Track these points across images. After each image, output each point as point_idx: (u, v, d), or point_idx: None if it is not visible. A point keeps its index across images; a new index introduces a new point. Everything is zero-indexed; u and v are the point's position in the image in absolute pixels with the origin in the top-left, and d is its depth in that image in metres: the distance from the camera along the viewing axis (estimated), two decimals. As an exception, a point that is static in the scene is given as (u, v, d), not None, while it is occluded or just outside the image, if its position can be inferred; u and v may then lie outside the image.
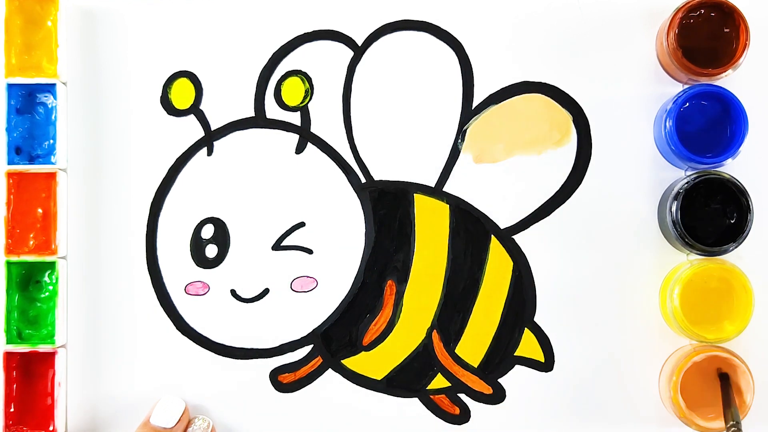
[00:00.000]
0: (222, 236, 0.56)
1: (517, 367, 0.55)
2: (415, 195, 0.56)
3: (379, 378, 0.56)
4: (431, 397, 0.55)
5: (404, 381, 0.56)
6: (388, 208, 0.56)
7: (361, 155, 0.56)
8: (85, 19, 0.56)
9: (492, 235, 0.55)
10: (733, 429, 0.48)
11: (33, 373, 0.54)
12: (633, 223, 0.55)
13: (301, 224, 0.56)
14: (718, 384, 0.52)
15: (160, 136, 0.56)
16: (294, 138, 0.56)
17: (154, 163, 0.56)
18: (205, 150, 0.56)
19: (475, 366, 0.55)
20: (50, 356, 0.54)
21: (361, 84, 0.56)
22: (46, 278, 0.55)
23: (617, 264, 0.55)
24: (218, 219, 0.56)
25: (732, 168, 0.53)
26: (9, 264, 0.54)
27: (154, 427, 0.52)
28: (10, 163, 0.55)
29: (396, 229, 0.56)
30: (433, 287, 0.55)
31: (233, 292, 0.56)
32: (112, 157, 0.56)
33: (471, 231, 0.55)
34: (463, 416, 0.55)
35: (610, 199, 0.55)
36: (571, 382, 0.55)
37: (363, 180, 0.56)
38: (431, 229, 0.55)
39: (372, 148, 0.56)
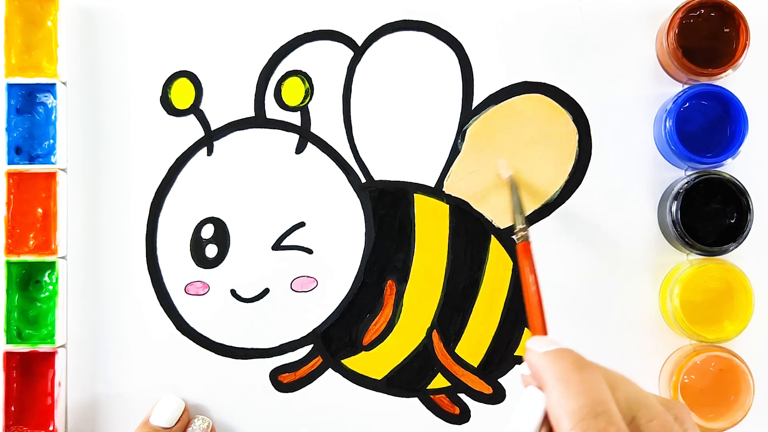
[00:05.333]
0: (222, 236, 0.56)
1: (517, 366, 0.55)
2: (415, 195, 0.56)
3: (379, 378, 0.56)
4: (431, 397, 0.55)
5: (404, 381, 0.56)
6: (388, 208, 0.56)
7: (361, 155, 0.56)
8: (85, 19, 0.56)
9: (492, 235, 0.55)
10: (522, 233, 0.48)
11: (33, 373, 0.54)
12: (633, 223, 0.55)
13: (301, 224, 0.56)
14: (716, 381, 0.52)
15: (160, 136, 0.56)
16: (294, 138, 0.56)
17: (154, 163, 0.56)
18: (205, 150, 0.56)
19: (475, 366, 0.55)
20: (50, 356, 0.54)
21: (361, 84, 0.56)
22: (46, 278, 0.55)
23: (617, 264, 0.55)
24: (218, 219, 0.56)
25: (732, 168, 0.53)
26: (9, 264, 0.54)
27: (153, 427, 0.52)
28: (10, 163, 0.55)
29: (396, 229, 0.56)
30: (433, 287, 0.55)
31: (233, 292, 0.56)
32: (112, 157, 0.56)
33: (471, 231, 0.55)
34: (463, 416, 0.55)
35: (610, 199, 0.55)
36: (571, 382, 0.55)
37: (363, 180, 0.56)
38: (431, 229, 0.55)
39: (372, 148, 0.56)
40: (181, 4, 0.56)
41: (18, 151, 0.55)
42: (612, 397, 0.34)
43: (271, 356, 0.56)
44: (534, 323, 0.43)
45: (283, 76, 0.56)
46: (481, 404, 0.55)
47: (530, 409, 0.35)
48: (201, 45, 0.56)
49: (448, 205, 0.55)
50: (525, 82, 0.55)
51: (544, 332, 0.43)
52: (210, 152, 0.56)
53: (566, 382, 0.34)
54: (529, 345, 0.38)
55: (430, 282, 0.55)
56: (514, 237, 0.48)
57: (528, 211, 0.50)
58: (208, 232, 0.56)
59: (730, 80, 0.52)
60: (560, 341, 0.38)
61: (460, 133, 0.55)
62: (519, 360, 0.55)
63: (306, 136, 0.56)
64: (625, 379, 0.36)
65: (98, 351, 0.56)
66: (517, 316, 0.55)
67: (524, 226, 0.49)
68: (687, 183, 0.52)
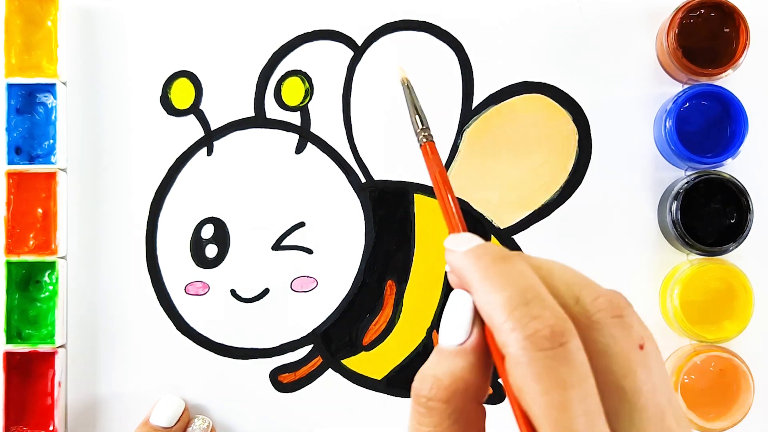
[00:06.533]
0: (222, 236, 0.56)
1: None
2: (415, 195, 0.56)
3: (379, 378, 0.56)
4: (431, 397, 0.55)
5: (404, 381, 0.56)
6: (388, 208, 0.56)
7: (361, 155, 0.56)
8: (85, 19, 0.56)
9: (492, 235, 0.55)
10: (424, 133, 0.44)
11: (33, 373, 0.54)
12: (633, 223, 0.55)
13: (301, 224, 0.56)
14: (716, 381, 0.52)
15: (160, 136, 0.56)
16: (294, 138, 0.56)
17: (154, 163, 0.56)
18: (205, 150, 0.56)
19: (475, 366, 0.55)
20: (50, 356, 0.54)
21: (361, 84, 0.56)
22: (46, 278, 0.55)
23: (617, 264, 0.55)
24: (218, 219, 0.56)
25: (732, 168, 0.53)
26: (9, 264, 0.54)
27: (153, 427, 0.53)
28: (10, 163, 0.55)
29: (396, 229, 0.56)
30: (433, 287, 0.55)
31: (233, 292, 0.56)
32: (112, 157, 0.56)
33: (471, 231, 0.55)
34: (463, 416, 0.55)
35: (610, 199, 0.55)
36: (571, 382, 0.55)
37: (363, 180, 0.56)
38: (431, 229, 0.55)
39: (372, 148, 0.56)
40: (181, 4, 0.56)
41: (18, 151, 0.55)
42: (543, 282, 0.32)
43: (271, 356, 0.56)
44: (451, 222, 0.41)
45: (282, 76, 0.56)
46: (481, 404, 0.55)
47: (458, 311, 0.33)
48: (201, 45, 0.56)
49: (448, 205, 0.55)
50: (525, 82, 0.55)
51: (463, 229, 0.40)
52: (210, 152, 0.56)
53: (489, 278, 0.32)
54: (448, 244, 0.35)
55: (430, 282, 0.55)
56: (417, 140, 0.44)
57: (424, 110, 0.45)
58: (208, 232, 0.56)
59: (730, 80, 0.52)
60: (478, 237, 0.36)
61: (460, 133, 0.55)
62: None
63: (306, 136, 0.56)
64: (561, 266, 0.33)
65: (98, 351, 0.56)
66: (517, 316, 0.55)
67: (425, 126, 0.45)
68: (687, 183, 0.52)
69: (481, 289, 0.32)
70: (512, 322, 0.30)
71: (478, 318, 0.33)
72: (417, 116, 0.45)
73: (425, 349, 0.55)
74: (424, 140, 0.44)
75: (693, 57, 0.51)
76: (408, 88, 0.48)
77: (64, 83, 0.56)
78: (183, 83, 0.56)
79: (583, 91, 0.55)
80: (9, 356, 0.54)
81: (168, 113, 0.56)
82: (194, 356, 0.56)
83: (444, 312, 0.34)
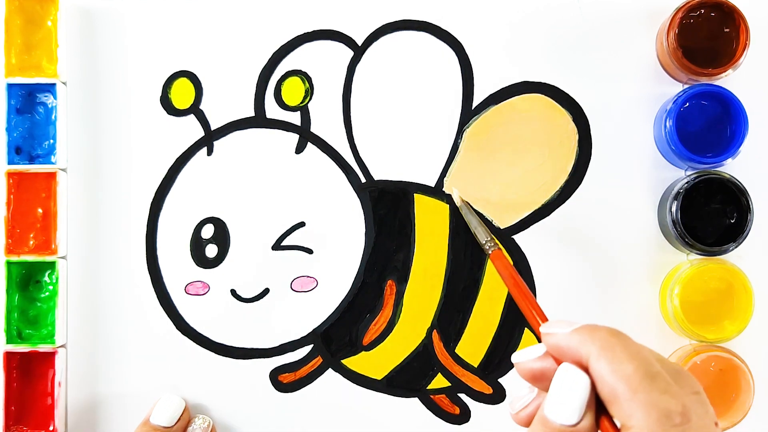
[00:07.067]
0: (222, 236, 0.56)
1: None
2: (415, 195, 0.56)
3: (379, 378, 0.56)
4: (431, 397, 0.55)
5: (404, 381, 0.56)
6: (388, 208, 0.56)
7: (361, 155, 0.56)
8: (85, 19, 0.56)
9: (492, 235, 0.55)
10: (489, 244, 0.49)
11: (33, 373, 0.54)
12: (633, 223, 0.55)
13: (301, 224, 0.56)
14: (716, 381, 0.52)
15: (160, 136, 0.56)
16: (294, 138, 0.56)
17: (154, 163, 0.56)
18: (205, 150, 0.56)
19: (475, 366, 0.55)
20: (50, 356, 0.54)
21: (361, 84, 0.56)
22: (46, 278, 0.55)
23: (617, 264, 0.55)
24: (218, 219, 0.56)
25: (732, 168, 0.53)
26: (9, 264, 0.54)
27: (154, 426, 0.53)
28: (10, 163, 0.55)
29: (396, 229, 0.56)
30: (433, 287, 0.55)
31: (233, 292, 0.56)
32: (112, 157, 0.56)
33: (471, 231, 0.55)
34: (463, 416, 0.55)
35: (610, 199, 0.55)
36: (571, 382, 0.55)
37: (363, 180, 0.56)
38: (431, 229, 0.55)
39: (372, 148, 0.56)
40: (181, 4, 0.56)
41: (18, 151, 0.55)
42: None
43: (271, 356, 0.56)
44: (539, 315, 0.42)
45: (283, 75, 0.56)
46: (481, 404, 0.55)
47: (572, 391, 0.33)
48: (201, 45, 0.56)
49: (448, 205, 0.55)
50: (525, 82, 0.55)
51: (545, 318, 0.42)
52: (210, 152, 0.56)
53: (612, 350, 0.32)
54: (549, 329, 0.36)
55: (430, 282, 0.55)
56: (485, 250, 0.50)
57: (484, 224, 0.52)
58: (208, 232, 0.56)
59: (730, 80, 0.52)
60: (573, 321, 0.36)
61: (460, 133, 0.55)
62: (519, 360, 0.55)
63: (306, 136, 0.56)
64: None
65: (98, 351, 0.56)
66: (518, 316, 0.55)
67: (489, 238, 0.50)
68: (687, 183, 0.52)
69: (604, 359, 0.32)
70: (643, 395, 0.30)
71: (591, 400, 0.33)
72: (482, 229, 0.51)
73: (425, 349, 0.55)
74: (492, 249, 0.49)
75: (693, 57, 0.51)
76: (468, 208, 0.53)
77: (64, 83, 0.56)
78: (183, 83, 0.56)
79: (583, 91, 0.55)
80: (9, 356, 0.54)
81: (168, 113, 0.56)
82: (194, 356, 0.56)
83: (554, 386, 0.34)
